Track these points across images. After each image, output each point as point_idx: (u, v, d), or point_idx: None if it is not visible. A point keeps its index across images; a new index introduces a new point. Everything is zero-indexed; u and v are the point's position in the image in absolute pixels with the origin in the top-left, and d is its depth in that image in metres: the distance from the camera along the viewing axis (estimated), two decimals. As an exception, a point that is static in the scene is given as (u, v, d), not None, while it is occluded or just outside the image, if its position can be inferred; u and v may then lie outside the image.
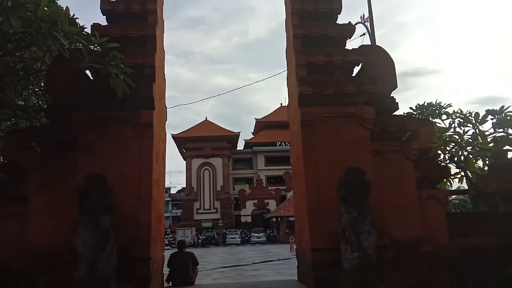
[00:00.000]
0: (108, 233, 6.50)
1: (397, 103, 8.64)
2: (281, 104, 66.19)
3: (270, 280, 11.18)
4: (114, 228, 6.68)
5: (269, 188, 58.71)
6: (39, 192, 7.46)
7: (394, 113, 8.57)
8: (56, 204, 7.38)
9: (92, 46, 6.91)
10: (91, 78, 8.18)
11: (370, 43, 19.29)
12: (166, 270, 9.02)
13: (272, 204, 55.89)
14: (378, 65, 8.59)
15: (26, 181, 7.55)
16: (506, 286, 6.89)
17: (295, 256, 9.85)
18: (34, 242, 7.23)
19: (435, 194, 8.05)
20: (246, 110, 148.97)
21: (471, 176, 9.27)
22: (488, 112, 8.27)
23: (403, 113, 9.95)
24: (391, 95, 8.68)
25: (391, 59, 8.77)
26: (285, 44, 9.44)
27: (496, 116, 8.38)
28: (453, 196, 18.02)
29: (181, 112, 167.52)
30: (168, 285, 8.98)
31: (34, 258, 7.14)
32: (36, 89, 11.37)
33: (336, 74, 8.35)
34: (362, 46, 9.13)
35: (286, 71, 9.70)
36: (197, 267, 9.70)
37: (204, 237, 47.96)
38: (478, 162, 8.94)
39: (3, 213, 7.52)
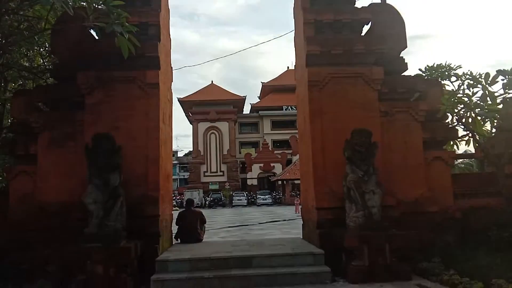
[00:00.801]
0: (118, 191, 6.64)
1: (406, 63, 8.49)
2: (288, 67, 65.28)
3: (275, 238, 11.44)
4: (123, 187, 6.82)
5: (275, 152, 58.94)
6: (48, 151, 7.58)
7: (403, 74, 8.45)
8: (65, 163, 7.51)
9: (96, 4, 6.78)
10: (96, 37, 8.08)
11: (380, 1, 18.70)
12: (174, 228, 9.26)
13: (278, 168, 56.27)
14: (388, 24, 8.38)
15: (35, 141, 7.64)
16: (507, 245, 6.99)
17: (300, 217, 10.02)
18: (46, 200, 7.42)
19: (441, 155, 8.08)
20: (253, 74, 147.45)
21: (478, 139, 9.20)
22: (499, 72, 8.07)
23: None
24: (400, 55, 8.52)
25: (401, 18, 8.55)
26: (293, 4, 9.20)
27: (506, 77, 8.20)
28: (459, 160, 17.97)
29: (186, 75, 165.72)
30: (176, 241, 9.23)
31: (46, 215, 7.34)
32: (41, 50, 11.30)
33: (344, 33, 8.17)
34: (371, 4, 8.86)
35: (294, 32, 9.51)
36: (205, 225, 9.92)
37: (211, 199, 48.72)
38: (486, 124, 8.84)
39: (13, 172, 7.68)
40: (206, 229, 10.25)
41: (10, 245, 7.27)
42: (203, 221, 9.69)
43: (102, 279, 6.18)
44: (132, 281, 6.37)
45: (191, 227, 9.28)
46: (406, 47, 8.42)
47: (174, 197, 38.83)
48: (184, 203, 11.10)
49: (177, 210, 15.67)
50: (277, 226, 18.08)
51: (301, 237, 9.39)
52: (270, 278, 6.53)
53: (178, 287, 6.41)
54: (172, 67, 9.65)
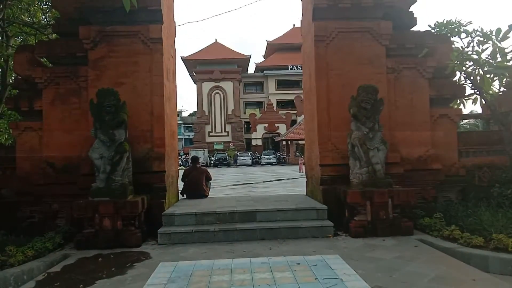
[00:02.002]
0: (123, 147, 6.68)
1: (416, 18, 8.25)
2: (294, 25, 63.83)
3: (279, 195, 11.60)
4: (129, 143, 6.86)
5: (280, 112, 58.72)
6: (53, 107, 7.57)
7: (412, 29, 8.22)
8: (70, 118, 7.53)
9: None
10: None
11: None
12: (180, 186, 9.39)
13: (282, 128, 56.23)
14: (398, -24, 8.06)
15: (40, 97, 7.62)
16: (509, 202, 7.05)
17: (304, 176, 10.10)
18: (53, 156, 7.49)
19: (447, 113, 8.01)
20: (257, 32, 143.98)
21: (485, 96, 9.07)
22: (511, 27, 7.82)
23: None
24: (410, 10, 8.26)
25: (412, -32, 8.20)
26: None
27: (519, 32, 7.95)
28: (465, 121, 17.78)
29: (189, 33, 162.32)
30: (182, 197, 9.40)
31: (54, 170, 7.45)
32: (42, 5, 11.08)
33: (352, -15, 7.89)
34: (381, -45, 8.48)
35: (300, -16, 9.20)
36: (210, 182, 10.04)
37: (216, 158, 49.11)
38: (494, 83, 8.67)
39: (19, 128, 7.71)
40: (211, 186, 10.38)
41: (20, 198, 7.43)
42: (208, 177, 9.80)
43: (110, 232, 6.34)
44: (139, 234, 6.53)
45: (197, 183, 9.41)
46: (416, 0, 8.14)
47: (179, 157, 39.15)
48: (190, 161, 11.18)
49: (182, 169, 15.86)
50: (281, 185, 18.31)
51: (305, 194, 9.52)
52: (273, 232, 6.68)
53: (185, 240, 6.57)
54: (175, 22, 9.45)
